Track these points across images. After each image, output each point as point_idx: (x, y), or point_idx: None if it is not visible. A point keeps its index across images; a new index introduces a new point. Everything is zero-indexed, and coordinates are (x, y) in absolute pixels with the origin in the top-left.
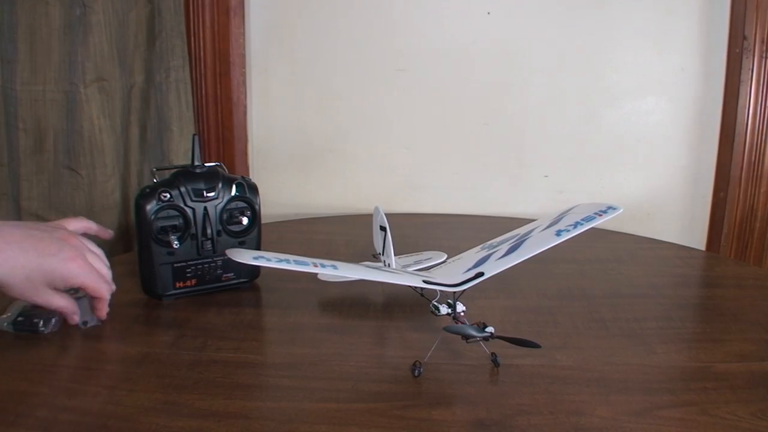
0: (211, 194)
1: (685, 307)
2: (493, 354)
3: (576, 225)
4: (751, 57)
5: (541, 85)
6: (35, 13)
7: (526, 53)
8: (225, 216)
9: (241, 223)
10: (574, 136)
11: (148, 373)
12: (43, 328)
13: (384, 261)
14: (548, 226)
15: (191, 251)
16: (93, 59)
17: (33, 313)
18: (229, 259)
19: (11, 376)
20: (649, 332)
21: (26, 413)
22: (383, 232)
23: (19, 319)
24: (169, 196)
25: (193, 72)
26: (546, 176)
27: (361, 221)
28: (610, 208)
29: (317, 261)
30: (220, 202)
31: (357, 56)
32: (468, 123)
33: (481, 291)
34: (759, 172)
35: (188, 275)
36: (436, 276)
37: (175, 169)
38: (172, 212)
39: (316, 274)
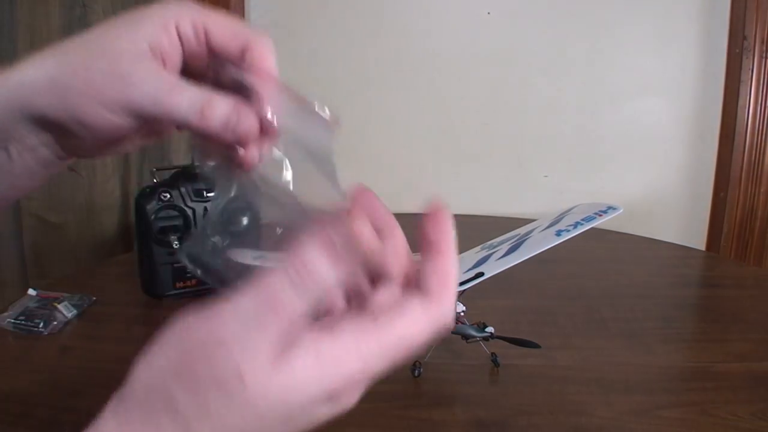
0: (211, 194)
1: (685, 307)
2: (493, 354)
3: (576, 225)
4: (751, 57)
5: (541, 85)
6: (35, 13)
7: (526, 53)
8: (225, 216)
9: (241, 223)
10: (574, 136)
11: None
12: (43, 329)
13: None
14: (548, 227)
15: None
16: None
17: (33, 313)
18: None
19: (11, 376)
20: (649, 332)
21: (26, 413)
22: None
23: (20, 318)
24: (169, 196)
25: None
26: (546, 176)
27: None
28: (610, 208)
29: None
30: (221, 203)
31: (357, 56)
32: (468, 123)
33: (481, 291)
34: (759, 172)
35: (188, 275)
36: None
37: (175, 169)
38: (172, 212)
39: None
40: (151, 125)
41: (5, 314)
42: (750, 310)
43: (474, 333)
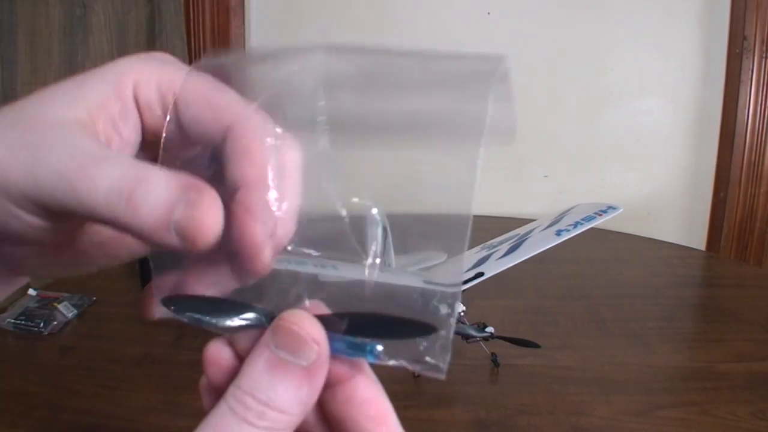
0: None
1: (685, 307)
2: (493, 354)
3: (576, 225)
4: (751, 57)
5: (541, 86)
6: (35, 13)
7: (526, 53)
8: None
9: None
10: (574, 136)
11: (148, 373)
12: (43, 329)
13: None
14: (548, 226)
15: None
16: (93, 59)
17: (33, 313)
18: None
19: (11, 376)
20: (649, 332)
21: (26, 413)
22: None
23: (20, 318)
24: None
25: None
26: (546, 176)
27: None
28: (610, 208)
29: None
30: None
31: None
32: None
33: (481, 291)
34: (759, 172)
35: None
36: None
37: None
38: None
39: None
40: (68, 227)
41: (5, 314)
42: (750, 310)
43: (474, 333)
